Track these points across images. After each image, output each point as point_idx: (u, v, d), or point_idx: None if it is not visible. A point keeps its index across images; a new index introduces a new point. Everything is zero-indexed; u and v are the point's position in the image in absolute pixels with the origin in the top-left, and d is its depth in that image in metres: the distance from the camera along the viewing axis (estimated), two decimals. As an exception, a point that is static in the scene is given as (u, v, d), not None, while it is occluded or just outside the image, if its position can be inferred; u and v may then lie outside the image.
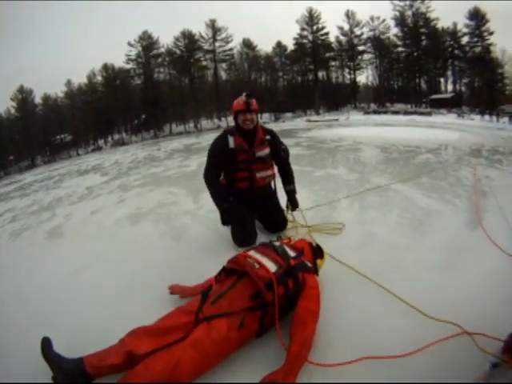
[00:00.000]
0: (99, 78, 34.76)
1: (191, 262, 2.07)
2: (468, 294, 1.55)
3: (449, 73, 34.34)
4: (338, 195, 3.18)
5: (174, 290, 1.64)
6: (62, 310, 1.70)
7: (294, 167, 2.46)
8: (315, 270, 1.56)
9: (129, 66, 34.73)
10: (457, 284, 1.64)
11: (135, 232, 2.82)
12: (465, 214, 2.63)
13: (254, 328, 1.30)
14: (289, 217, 2.42)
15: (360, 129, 13.44)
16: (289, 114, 34.03)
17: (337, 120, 22.77)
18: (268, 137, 2.25)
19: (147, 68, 34.43)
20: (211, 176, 2.19)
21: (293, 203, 2.37)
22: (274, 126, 12.11)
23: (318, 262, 1.67)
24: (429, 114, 24.76)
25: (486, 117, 20.68)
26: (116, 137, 35.22)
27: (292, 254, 1.52)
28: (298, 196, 2.42)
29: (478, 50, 30.93)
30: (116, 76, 34.49)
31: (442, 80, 34.72)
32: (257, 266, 1.39)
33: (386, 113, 27.39)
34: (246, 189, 2.20)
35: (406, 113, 25.52)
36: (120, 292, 1.80)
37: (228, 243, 2.21)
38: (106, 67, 34.10)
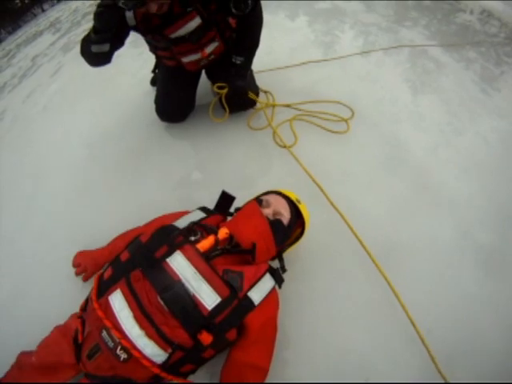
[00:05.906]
0: None
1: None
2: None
3: None
4: (348, 47, 2.12)
5: (80, 262, 1.06)
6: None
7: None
8: (277, 281, 0.85)
9: None
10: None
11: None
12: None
13: None
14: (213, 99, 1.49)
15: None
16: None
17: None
18: None
19: None
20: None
21: (231, 82, 1.37)
22: None
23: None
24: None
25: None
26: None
27: (212, 294, 0.72)
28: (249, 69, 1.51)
29: None
30: None
31: None
32: (122, 354, 0.69)
33: None
34: (177, 67, 1.45)
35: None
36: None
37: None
38: None
